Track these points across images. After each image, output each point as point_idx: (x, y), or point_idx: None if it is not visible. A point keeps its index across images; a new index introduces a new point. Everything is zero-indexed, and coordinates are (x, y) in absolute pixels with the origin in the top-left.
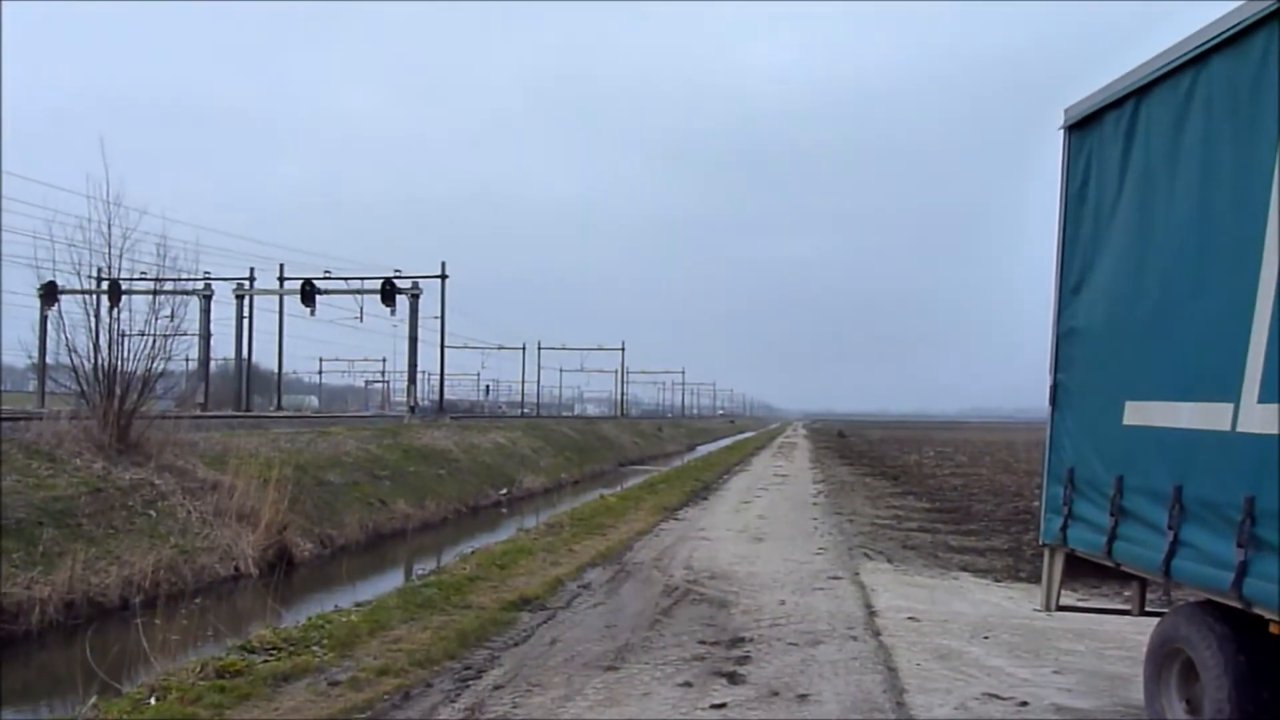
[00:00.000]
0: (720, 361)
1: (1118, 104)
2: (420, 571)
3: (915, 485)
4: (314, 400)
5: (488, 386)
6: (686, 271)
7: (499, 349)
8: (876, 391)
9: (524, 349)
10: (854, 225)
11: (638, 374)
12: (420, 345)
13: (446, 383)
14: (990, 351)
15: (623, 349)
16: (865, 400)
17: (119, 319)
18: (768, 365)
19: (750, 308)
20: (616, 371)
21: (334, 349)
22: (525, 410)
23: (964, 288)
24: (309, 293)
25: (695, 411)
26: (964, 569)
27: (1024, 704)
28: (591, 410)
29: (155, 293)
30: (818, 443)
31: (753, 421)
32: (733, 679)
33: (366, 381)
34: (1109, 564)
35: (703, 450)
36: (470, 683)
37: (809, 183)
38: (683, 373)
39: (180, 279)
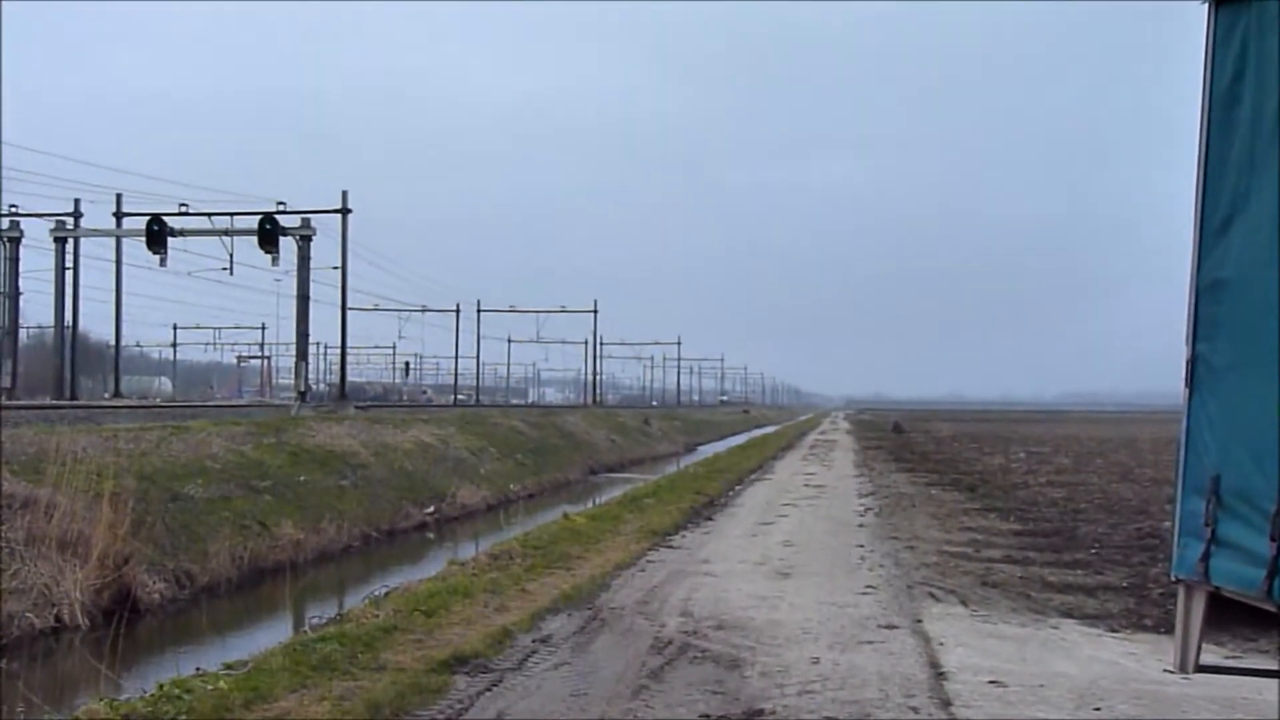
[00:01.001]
0: (730, 332)
1: None
2: (316, 620)
3: (999, 499)
4: (166, 383)
5: (408, 364)
6: (678, 206)
7: (423, 312)
8: (943, 372)
9: (457, 312)
10: (908, 143)
11: (615, 346)
12: (314, 307)
13: (352, 359)
14: (1102, 318)
15: (595, 312)
16: (928, 383)
17: None
18: (795, 338)
19: (768, 261)
20: (586, 343)
21: (194, 313)
22: (460, 397)
23: (1063, 231)
24: (158, 233)
25: (696, 399)
26: (1066, 614)
27: None
28: (552, 396)
29: None
30: (864, 440)
31: (775, 412)
32: None
33: (240, 357)
34: (1269, 607)
35: (706, 451)
36: None
37: (843, 82)
38: (677, 344)
39: None
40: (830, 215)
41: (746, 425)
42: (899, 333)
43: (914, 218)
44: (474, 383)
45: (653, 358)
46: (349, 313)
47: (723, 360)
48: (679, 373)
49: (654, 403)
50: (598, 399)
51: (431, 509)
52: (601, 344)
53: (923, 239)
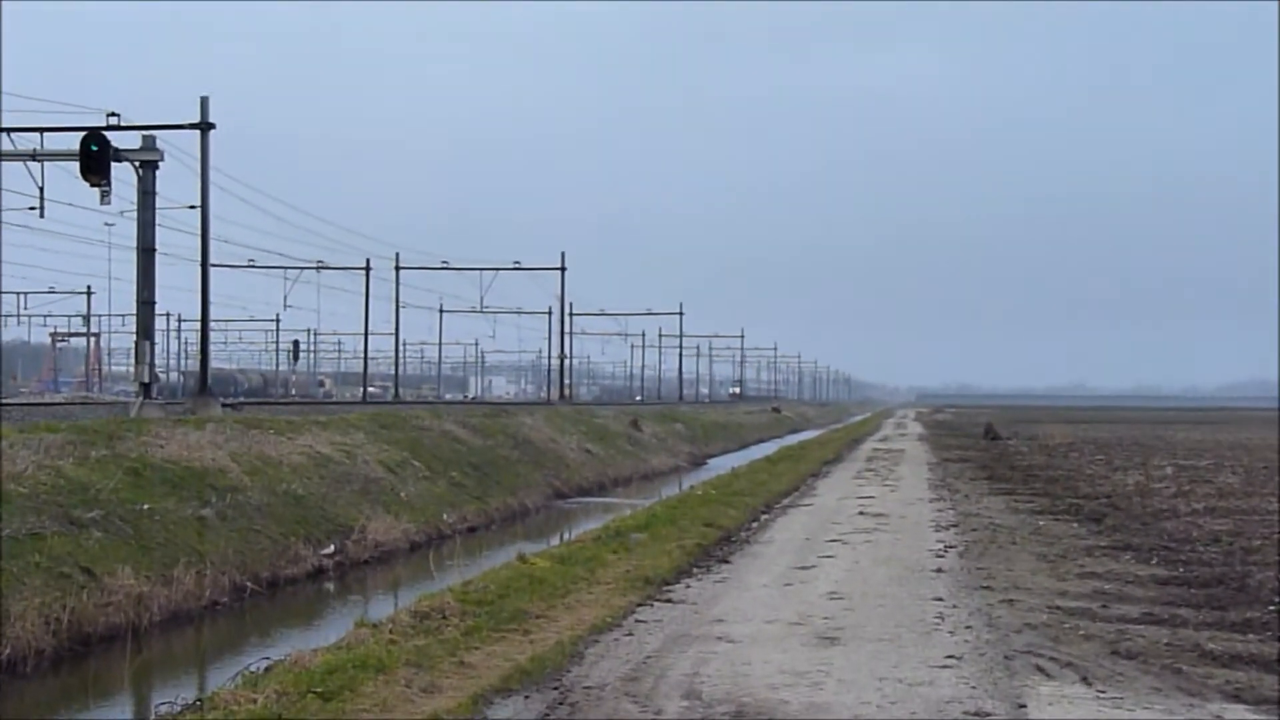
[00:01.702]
0: (756, 308)
1: None
2: (166, 709)
3: (1136, 533)
4: None
5: (297, 343)
6: (683, 134)
7: (319, 269)
8: (1054, 357)
9: (368, 270)
10: (1000, 38)
11: (591, 317)
12: (163, 263)
13: (218, 336)
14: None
15: (562, 270)
16: (1032, 372)
17: None
18: (846, 315)
19: (804, 211)
20: (550, 312)
21: None
22: (373, 390)
23: (1214, 171)
24: None
25: (705, 392)
26: (1234, 697)
27: None
28: (502, 389)
29: None
30: (943, 449)
31: (818, 410)
32: None
33: (56, 335)
34: None
35: (721, 465)
36: None
37: None
38: (679, 316)
39: None
40: (884, 132)
41: (777, 430)
42: (991, 308)
43: (994, 138)
44: (392, 370)
45: (644, 334)
46: (212, 271)
47: (742, 338)
48: (680, 356)
49: (640, 398)
50: (567, 393)
51: (331, 549)
52: (572, 313)
53: (1014, 179)
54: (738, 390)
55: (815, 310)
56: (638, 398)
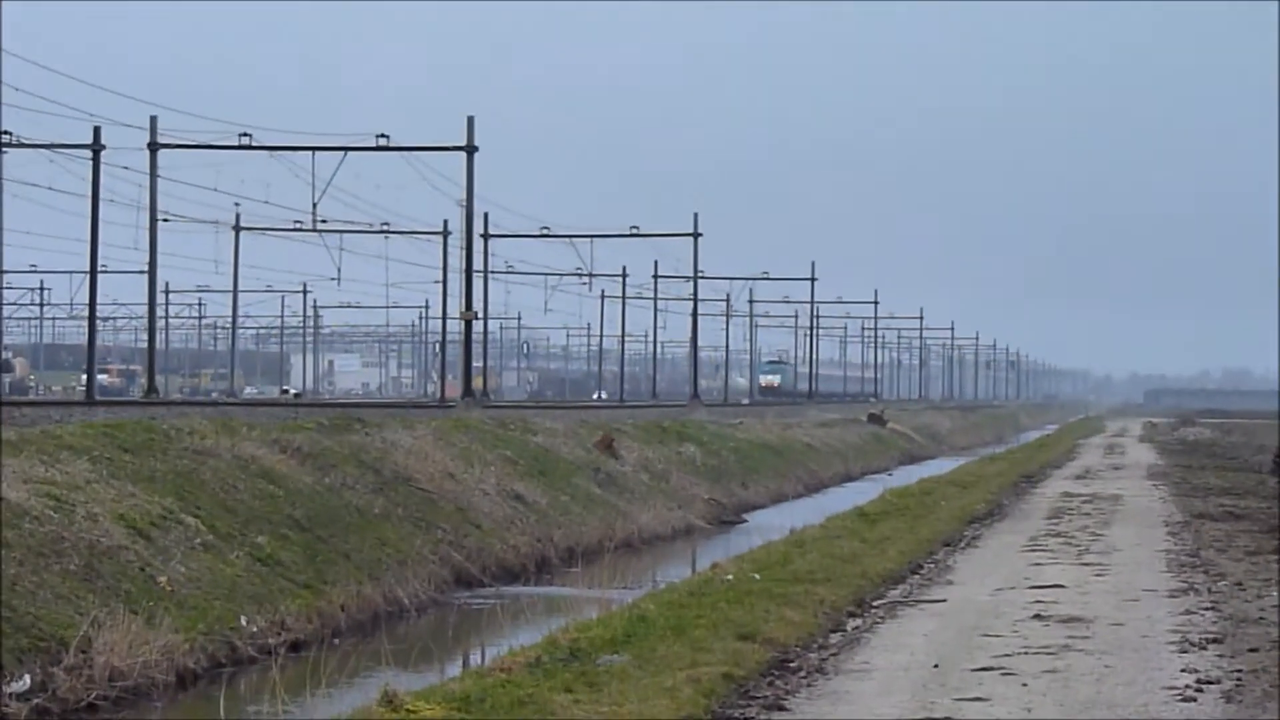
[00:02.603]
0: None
1: None
2: None
3: None
4: None
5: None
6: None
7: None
8: None
9: (153, 155)
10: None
11: (527, 240)
12: None
13: None
14: None
15: (469, 150)
16: None
17: None
18: (1042, 285)
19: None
20: (447, 232)
21: None
22: (107, 380)
23: None
24: None
25: (741, 381)
26: None
27: None
28: (356, 379)
29: None
30: (1191, 491)
31: (963, 422)
32: None
33: None
34: None
35: (769, 522)
36: None
37: None
38: (810, 282)
39: None
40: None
41: (877, 457)
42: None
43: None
44: (145, 342)
45: (594, 289)
46: None
47: (876, 303)
48: (695, 316)
49: (601, 394)
50: (480, 386)
51: (25, 683)
52: (488, 233)
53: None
54: (773, 381)
55: (996, 279)
56: (599, 394)
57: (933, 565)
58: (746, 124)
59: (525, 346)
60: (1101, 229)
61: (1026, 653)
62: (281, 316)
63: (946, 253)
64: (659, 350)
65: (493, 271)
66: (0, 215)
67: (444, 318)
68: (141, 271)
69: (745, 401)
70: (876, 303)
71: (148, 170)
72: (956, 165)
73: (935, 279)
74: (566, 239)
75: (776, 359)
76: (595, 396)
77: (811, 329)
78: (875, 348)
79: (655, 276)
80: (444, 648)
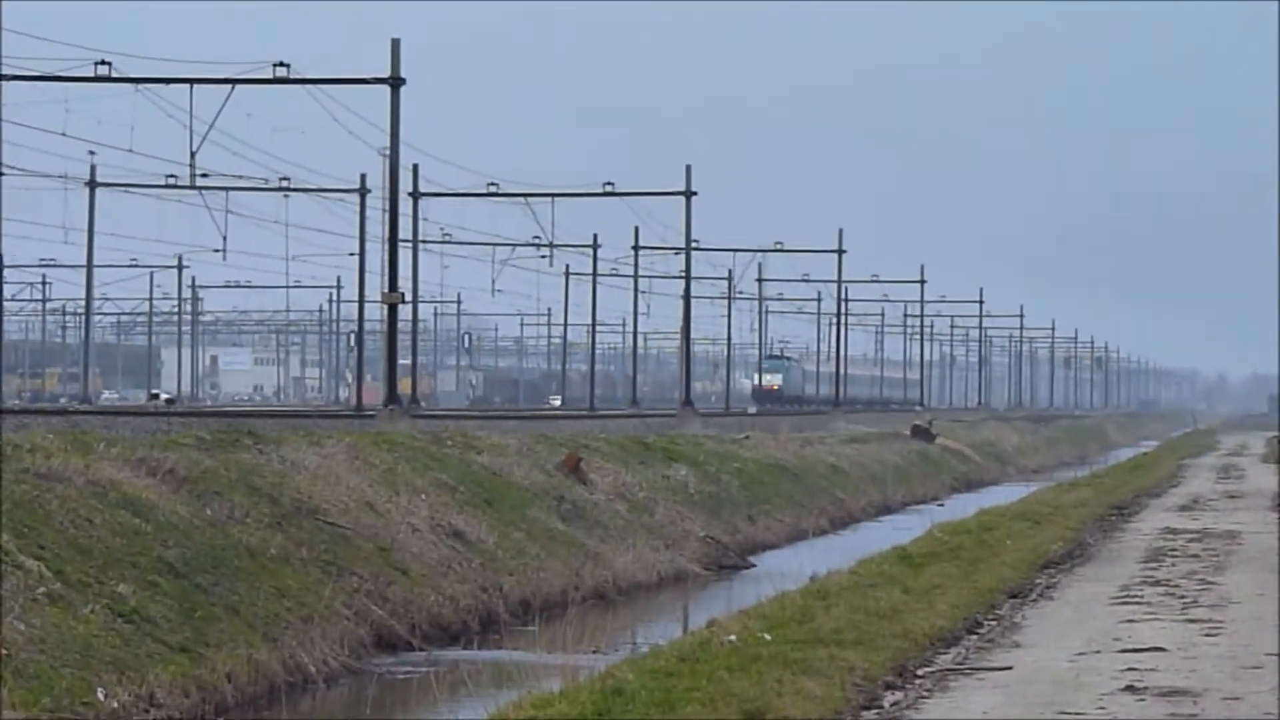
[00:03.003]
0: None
1: None
2: None
3: None
4: None
5: None
6: None
7: None
8: None
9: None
10: None
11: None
12: None
13: None
14: None
15: (394, 84)
16: None
17: None
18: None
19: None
20: (364, 189)
21: None
22: None
23: None
24: None
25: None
26: None
27: None
28: (243, 381)
29: None
30: None
31: (1071, 435)
32: None
33: None
34: None
35: (783, 566)
36: None
37: None
38: (837, 256)
39: None
40: None
41: (927, 482)
42: None
43: None
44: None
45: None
46: None
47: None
48: (684, 289)
49: (556, 399)
50: (405, 395)
51: None
52: (417, 192)
53: None
54: (774, 382)
55: (1078, 258)
56: (553, 399)
57: (995, 622)
58: (750, 65)
59: (467, 339)
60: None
61: None
62: (150, 299)
63: (1012, 226)
64: (641, 344)
65: (425, 241)
66: None
67: (360, 301)
68: None
69: (752, 410)
70: (923, 281)
71: None
72: (1024, 123)
73: (998, 257)
74: (520, 199)
75: (778, 354)
76: (554, 403)
77: (838, 316)
78: (921, 340)
79: (636, 248)
80: None
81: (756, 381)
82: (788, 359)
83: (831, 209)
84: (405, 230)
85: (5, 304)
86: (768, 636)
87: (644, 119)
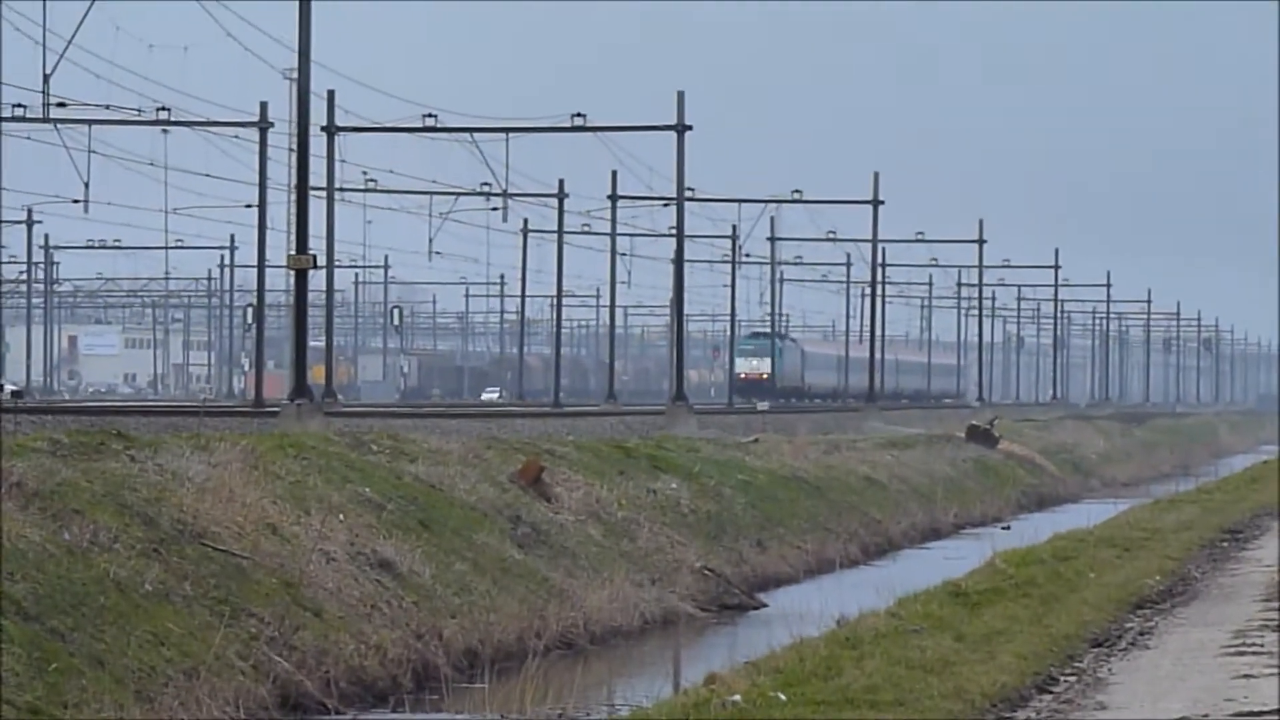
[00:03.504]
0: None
1: None
2: None
3: None
4: None
5: None
6: None
7: None
8: None
9: None
10: None
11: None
12: None
13: None
14: None
15: None
16: None
17: None
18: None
19: None
20: (267, 126)
21: None
22: None
23: None
24: None
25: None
26: None
27: None
28: (110, 367)
29: None
30: None
31: (1173, 438)
32: None
33: None
34: None
35: (799, 605)
36: None
37: None
38: (872, 208)
39: None
40: None
41: (989, 498)
42: None
43: None
44: None
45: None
46: None
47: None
48: (677, 248)
49: (495, 393)
50: (317, 385)
51: None
52: (334, 128)
53: None
54: (759, 368)
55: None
56: (490, 391)
57: (1074, 678)
58: None
59: (397, 314)
60: None
61: None
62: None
63: (1093, 174)
64: (621, 321)
65: (344, 189)
66: None
67: (260, 265)
68: None
69: (762, 405)
70: (982, 241)
71: None
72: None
73: (1078, 213)
74: (465, 135)
75: (763, 331)
76: (492, 396)
77: (873, 284)
78: (979, 316)
79: (613, 197)
80: None
81: (739, 368)
82: (782, 337)
83: (863, 150)
84: (319, 176)
85: None
86: (782, 697)
87: (623, 35)
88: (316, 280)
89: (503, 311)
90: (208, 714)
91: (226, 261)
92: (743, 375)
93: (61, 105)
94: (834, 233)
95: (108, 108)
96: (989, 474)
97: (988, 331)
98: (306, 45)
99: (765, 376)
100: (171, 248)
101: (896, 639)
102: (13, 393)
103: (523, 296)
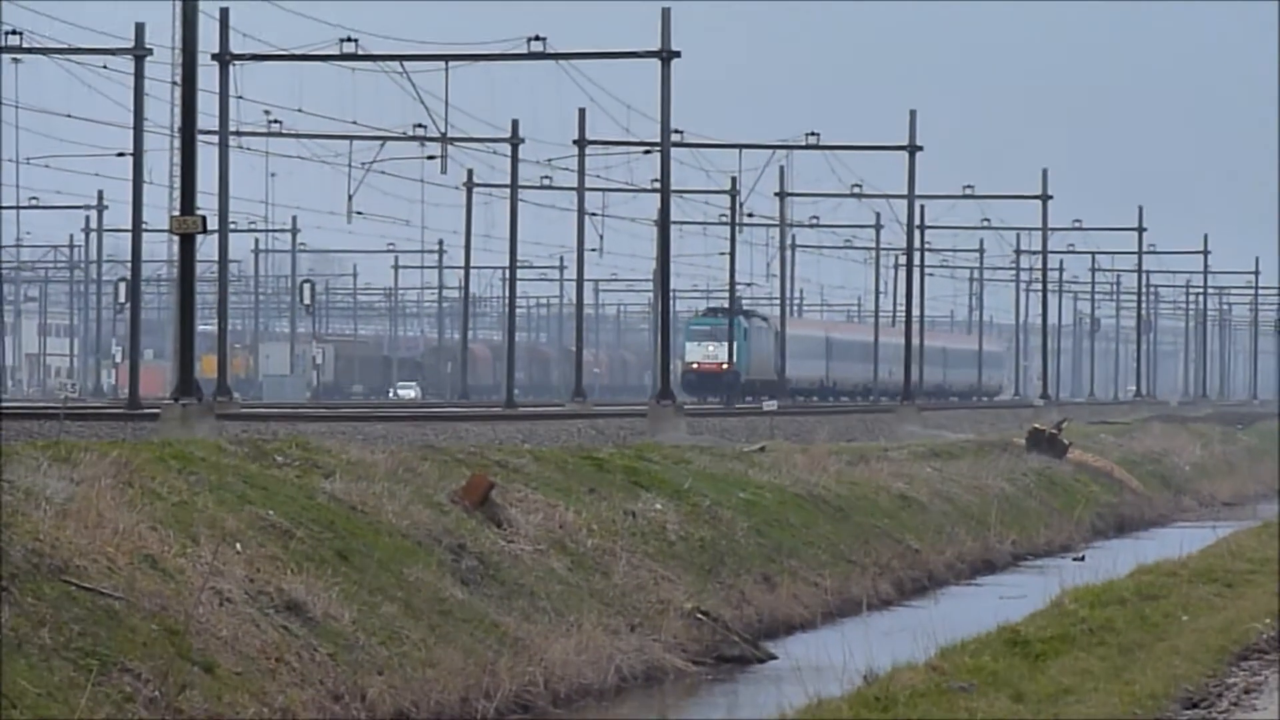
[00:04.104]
0: None
1: None
2: None
3: None
4: None
5: None
6: None
7: None
8: None
9: None
10: None
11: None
12: None
13: None
14: None
15: None
16: None
17: None
18: None
19: None
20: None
21: None
22: None
23: None
24: None
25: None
26: None
27: None
28: None
29: None
30: None
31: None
32: None
33: None
34: None
35: (814, 655)
36: None
37: None
38: (909, 154)
39: None
40: None
41: (1053, 518)
42: None
43: None
44: None
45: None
46: None
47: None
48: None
49: (409, 391)
50: (206, 380)
51: None
52: (228, 55)
53: None
54: (714, 357)
55: None
56: (403, 388)
57: None
58: None
59: (309, 290)
60: None
61: None
62: None
63: (1169, 129)
64: (590, 297)
65: (242, 133)
66: None
67: (136, 229)
68: None
69: (771, 404)
70: (1046, 197)
71: None
72: None
73: (1154, 176)
74: (394, 64)
75: (720, 307)
76: (409, 393)
77: (909, 251)
78: (1044, 292)
79: (580, 143)
80: None
81: (687, 356)
82: (749, 314)
83: (893, 87)
84: (209, 117)
85: None
86: None
87: None
88: (207, 248)
89: (441, 287)
90: None
91: (93, 224)
92: (695, 365)
93: None
94: (860, 186)
95: None
96: (1056, 491)
97: (1054, 311)
98: None
99: (724, 367)
100: (24, 207)
101: (939, 699)
102: None
103: (466, 268)
